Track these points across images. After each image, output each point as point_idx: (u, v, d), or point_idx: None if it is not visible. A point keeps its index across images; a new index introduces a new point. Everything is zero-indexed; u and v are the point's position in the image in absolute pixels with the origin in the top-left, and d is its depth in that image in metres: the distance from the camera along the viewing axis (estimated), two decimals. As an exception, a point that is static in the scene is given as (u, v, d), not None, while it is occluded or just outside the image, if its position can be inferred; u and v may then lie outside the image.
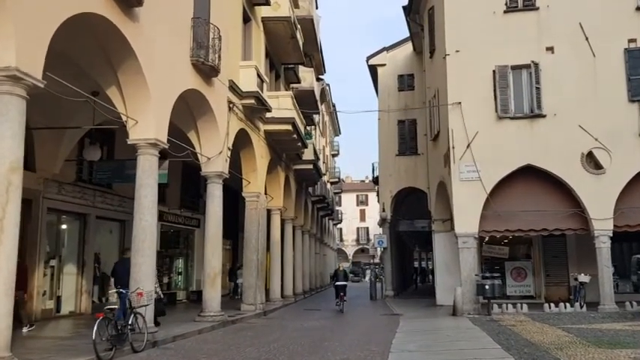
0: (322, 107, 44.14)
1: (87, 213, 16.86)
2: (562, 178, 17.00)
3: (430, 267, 56.88)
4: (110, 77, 10.70)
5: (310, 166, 26.45)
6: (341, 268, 21.03)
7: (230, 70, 15.33)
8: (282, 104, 19.14)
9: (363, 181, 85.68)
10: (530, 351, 9.30)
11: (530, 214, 17.20)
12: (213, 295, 14.28)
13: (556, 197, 17.35)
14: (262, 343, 11.24)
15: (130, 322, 9.64)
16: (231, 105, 15.20)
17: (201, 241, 18.37)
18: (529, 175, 17.42)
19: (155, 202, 11.11)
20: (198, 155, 14.52)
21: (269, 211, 22.30)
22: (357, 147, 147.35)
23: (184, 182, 22.18)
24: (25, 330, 11.87)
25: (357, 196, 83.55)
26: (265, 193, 21.40)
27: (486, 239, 19.86)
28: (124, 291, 10.10)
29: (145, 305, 10.12)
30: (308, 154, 26.20)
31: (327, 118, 49.43)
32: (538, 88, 17.20)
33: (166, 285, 21.95)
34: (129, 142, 11.03)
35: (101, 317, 8.83)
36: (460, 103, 17.56)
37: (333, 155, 56.66)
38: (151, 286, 10.64)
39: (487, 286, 16.28)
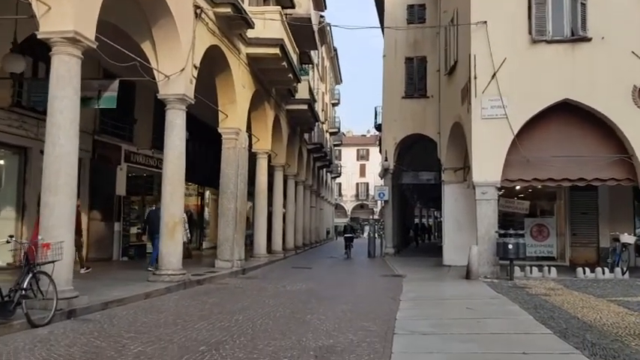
0: (322, 49, 40.63)
1: (28, 146, 13.86)
2: (607, 117, 13.91)
3: (431, 224, 54.60)
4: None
5: (305, 107, 23.25)
6: (347, 224, 29.35)
7: (198, -32, 12.06)
8: (268, 24, 15.86)
9: (365, 135, 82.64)
10: (597, 340, 6.44)
11: (565, 161, 14.20)
12: (171, 249, 11.40)
13: (598, 141, 14.32)
14: (224, 313, 8.43)
15: (25, 286, 6.77)
16: (198, 11, 11.96)
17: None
18: (566, 113, 14.34)
19: (76, 121, 8.10)
20: (155, 73, 11.41)
21: (254, 155, 19.36)
22: (359, 99, 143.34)
23: (157, 119, 19.02)
24: (82, 271, 12.70)
25: (358, 150, 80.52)
26: (251, 134, 18.40)
27: (502, 192, 16.90)
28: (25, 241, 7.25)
29: (53, 261, 7.23)
30: (302, 93, 23.04)
31: (327, 63, 45.85)
32: (584, 5, 13.94)
33: (135, 236, 19.18)
34: (38, 37, 7.92)
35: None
36: (486, 22, 14.31)
37: (334, 104, 53.24)
38: (67, 236, 7.72)
39: (510, 246, 13.45)
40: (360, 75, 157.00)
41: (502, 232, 13.93)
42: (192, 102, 11.96)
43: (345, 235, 26.36)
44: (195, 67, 11.99)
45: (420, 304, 9.86)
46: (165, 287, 10.55)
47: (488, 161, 14.33)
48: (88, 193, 15.99)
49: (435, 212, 51.21)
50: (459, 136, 17.03)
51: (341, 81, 56.75)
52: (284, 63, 16.62)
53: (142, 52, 11.42)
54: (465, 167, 18.19)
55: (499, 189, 14.76)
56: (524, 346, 6.14)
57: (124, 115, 17.72)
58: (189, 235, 15.83)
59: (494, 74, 14.14)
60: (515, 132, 14.09)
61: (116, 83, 11.70)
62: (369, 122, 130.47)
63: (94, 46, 8.31)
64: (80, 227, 13.38)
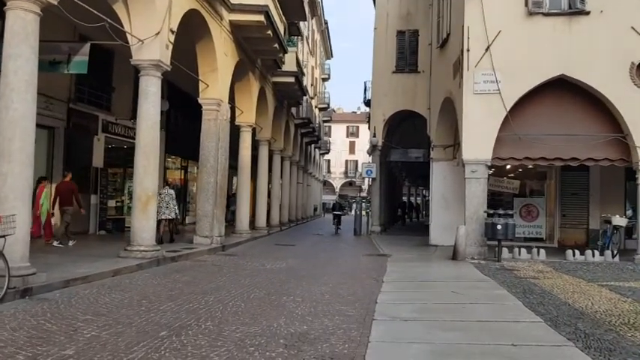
0: (312, 22, 39.69)
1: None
2: (603, 94, 13.38)
3: (419, 202, 54.30)
4: None
5: (291, 79, 22.50)
6: (336, 201, 29.65)
7: None
8: (253, -11, 15.08)
9: (355, 112, 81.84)
10: (590, 330, 6.00)
11: (558, 139, 13.71)
12: (144, 224, 10.82)
13: (592, 119, 13.82)
14: (194, 294, 7.91)
15: (-29, 262, 6.20)
16: (175, -29, 11.20)
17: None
18: (561, 89, 13.81)
19: (32, 83, 7.40)
20: (128, 36, 10.68)
21: (238, 128, 18.70)
22: (351, 76, 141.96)
23: (137, 88, 18.03)
24: (55, 243, 12.61)
25: (348, 127, 79.95)
26: (234, 106, 17.72)
27: (492, 170, 16.43)
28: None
29: (4, 236, 6.63)
30: (290, 65, 22.28)
31: (317, 36, 44.84)
32: (583, -24, 13.29)
33: (114, 209, 18.58)
34: (-10, -10, 7.21)
35: None
36: (481, -8, 13.65)
37: (324, 79, 52.33)
38: (22, 209, 7.11)
39: (499, 226, 13.00)
40: (353, 52, 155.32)
41: (491, 211, 13.48)
42: (169, 69, 11.27)
43: (334, 213, 27.00)
44: (172, 32, 11.26)
45: (403, 287, 9.41)
46: (137, 264, 9.99)
47: (479, 138, 13.81)
48: (62, 163, 15.28)
49: (424, 190, 50.89)
50: (450, 111, 16.48)
51: (332, 55, 55.73)
52: (269, 32, 15.86)
53: (114, 14, 10.70)
54: (455, 144, 17.68)
55: (489, 167, 14.28)
56: (513, 336, 5.68)
57: (101, 82, 16.97)
58: (177, 211, 15.10)
59: (488, 47, 13.53)
60: (508, 108, 13.55)
61: (87, 47, 11.02)
62: (360, 100, 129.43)
63: (55, 2, 7.58)
64: (79, 199, 13.43)
